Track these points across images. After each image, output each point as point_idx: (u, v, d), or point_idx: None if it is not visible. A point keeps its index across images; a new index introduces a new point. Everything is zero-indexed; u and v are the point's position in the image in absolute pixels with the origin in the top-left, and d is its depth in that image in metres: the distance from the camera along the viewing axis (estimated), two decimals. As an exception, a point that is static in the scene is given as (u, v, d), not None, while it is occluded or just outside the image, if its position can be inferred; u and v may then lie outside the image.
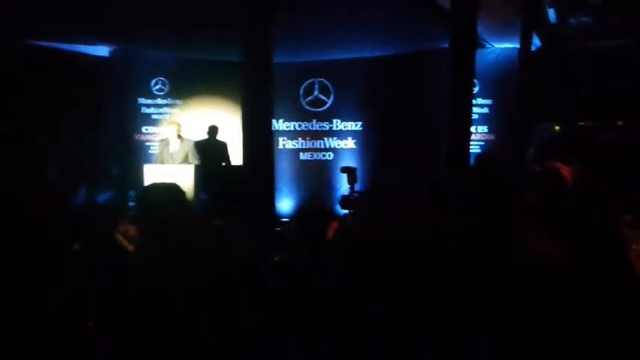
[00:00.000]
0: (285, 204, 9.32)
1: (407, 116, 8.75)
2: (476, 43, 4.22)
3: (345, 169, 7.65)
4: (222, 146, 8.48)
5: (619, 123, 9.14)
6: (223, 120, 9.10)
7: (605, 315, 2.12)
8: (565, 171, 3.85)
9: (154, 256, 2.26)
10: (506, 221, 2.42)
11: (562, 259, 2.07)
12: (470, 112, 3.90)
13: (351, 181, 7.43)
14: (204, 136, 8.52)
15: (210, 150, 8.22)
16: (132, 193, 8.04)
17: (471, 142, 8.76)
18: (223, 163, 8.35)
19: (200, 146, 8.08)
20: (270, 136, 3.97)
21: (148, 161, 8.71)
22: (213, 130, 8.53)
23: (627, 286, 2.34)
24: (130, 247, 3.59)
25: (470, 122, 4.04)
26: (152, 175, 7.35)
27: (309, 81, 9.77)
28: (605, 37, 8.47)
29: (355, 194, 7.19)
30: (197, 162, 7.84)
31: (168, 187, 2.38)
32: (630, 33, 8.20)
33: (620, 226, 5.12)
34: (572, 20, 8.50)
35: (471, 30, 3.97)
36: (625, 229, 5.64)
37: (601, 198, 3.51)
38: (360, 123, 9.71)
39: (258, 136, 3.87)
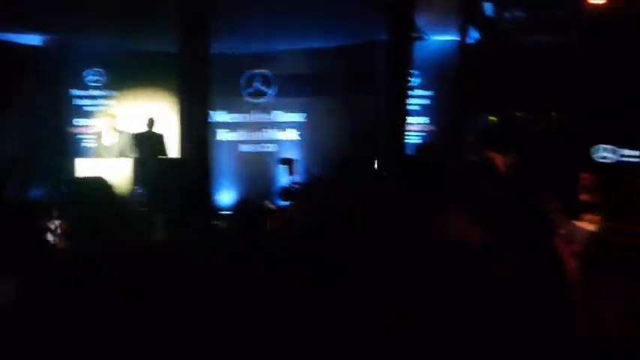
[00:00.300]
0: (226, 197, 9.20)
1: (349, 107, 8.78)
2: (412, 35, 4.24)
3: (284, 161, 7.62)
4: (160, 139, 8.26)
5: (553, 114, 9.46)
6: (161, 112, 8.87)
7: (527, 301, 2.17)
8: (499, 160, 3.94)
9: (80, 253, 2.15)
10: (440, 209, 2.43)
11: (486, 246, 2.10)
12: (406, 102, 3.92)
13: (291, 172, 7.40)
14: (141, 128, 8.28)
15: (147, 143, 8.00)
16: (63, 188, 7.73)
17: (413, 133, 8.98)
18: (161, 156, 8.14)
19: (137, 139, 7.84)
20: (207, 128, 3.88)
21: (82, 155, 8.39)
22: (150, 123, 8.31)
23: (552, 274, 2.42)
24: (59, 244, 3.44)
25: (406, 113, 4.06)
26: (85, 169, 7.07)
27: (249, 72, 9.66)
28: (539, 32, 8.74)
29: (295, 186, 7.17)
30: (134, 155, 7.61)
31: (94, 181, 2.27)
32: (561, 27, 8.49)
33: (551, 213, 5.31)
34: (507, 14, 8.72)
35: (408, 22, 3.99)
36: (555, 215, 5.86)
37: (532, 186, 3.61)
38: (302, 114, 9.68)
39: (195, 128, 3.77)
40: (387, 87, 3.91)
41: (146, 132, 8.25)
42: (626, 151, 8.76)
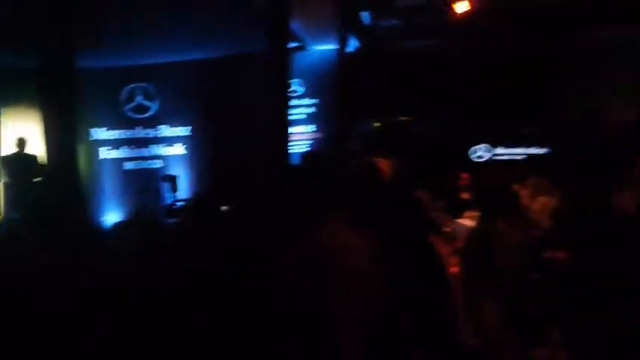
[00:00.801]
0: (111, 216, 8.73)
1: (235, 119, 8.68)
2: (289, 44, 4.26)
3: (165, 178, 7.37)
4: (31, 160, 7.67)
5: (433, 117, 9.92)
6: (32, 132, 8.24)
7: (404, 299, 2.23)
8: (384, 165, 4.01)
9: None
10: (325, 218, 2.42)
11: (368, 250, 2.13)
12: (286, 111, 3.92)
13: (173, 189, 7.18)
14: (11, 150, 7.67)
15: (18, 165, 7.42)
16: None
17: (301, 141, 9.06)
18: (35, 178, 7.58)
19: (7, 162, 7.26)
20: (74, 144, 3.64)
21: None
22: (20, 143, 7.71)
23: (432, 277, 2.50)
24: None
25: (287, 122, 4.06)
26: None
27: (130, 86, 9.26)
28: (413, 38, 9.16)
29: (178, 203, 6.97)
30: (5, 179, 7.03)
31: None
32: (435, 34, 8.95)
33: (433, 212, 5.54)
34: (384, 23, 9.06)
35: (284, 32, 3.99)
36: (437, 214, 6.12)
37: (413, 188, 3.74)
38: (188, 128, 9.43)
39: (63, 147, 3.52)
40: (267, 97, 3.88)
41: (17, 153, 7.65)
42: (499, 150, 9.40)
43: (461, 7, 7.88)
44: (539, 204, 6.53)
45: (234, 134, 8.54)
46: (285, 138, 3.90)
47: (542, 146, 9.22)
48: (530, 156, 9.23)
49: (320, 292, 2.01)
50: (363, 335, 2.12)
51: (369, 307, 2.13)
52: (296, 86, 8.98)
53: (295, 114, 9.02)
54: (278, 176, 3.29)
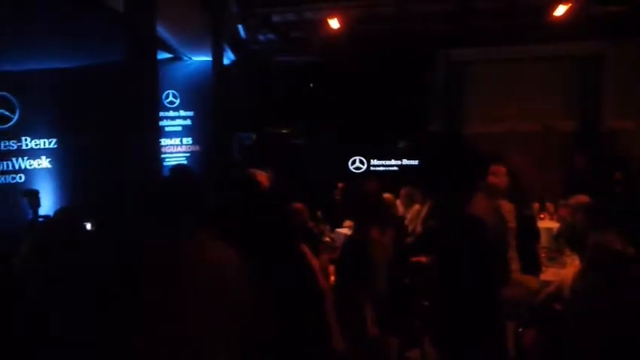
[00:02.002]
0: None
1: (104, 131, 8.22)
2: (154, 51, 4.10)
3: (25, 193, 6.83)
4: None
5: (311, 130, 10.10)
6: None
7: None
8: (262, 177, 3.99)
9: None
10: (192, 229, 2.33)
11: (237, 262, 2.09)
12: (156, 123, 3.77)
13: (34, 205, 6.66)
14: None
15: None
16: None
17: (177, 154, 8.81)
18: None
19: None
20: None
21: None
22: None
23: (301, 285, 2.51)
24: None
25: (157, 134, 3.91)
26: None
27: (-14, 95, 8.48)
28: (289, 53, 9.29)
29: (40, 219, 6.48)
30: None
31: None
32: (307, 49, 9.14)
33: (312, 223, 5.60)
34: (260, 37, 9.11)
35: (147, 37, 3.84)
36: (317, 224, 6.21)
37: (286, 199, 3.75)
38: (53, 140, 8.79)
39: None
40: (135, 108, 3.70)
41: None
42: (375, 161, 9.78)
43: (334, 24, 8.13)
44: (413, 212, 6.89)
45: (103, 147, 8.07)
46: (155, 151, 3.74)
47: (414, 158, 9.72)
48: (404, 167, 9.70)
49: (187, 307, 1.94)
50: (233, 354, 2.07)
51: (239, 321, 2.08)
52: (171, 97, 8.74)
53: (171, 126, 8.77)
54: (146, 191, 3.15)
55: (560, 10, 7.83)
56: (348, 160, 9.76)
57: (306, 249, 2.81)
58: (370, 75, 9.45)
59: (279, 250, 2.58)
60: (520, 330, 3.40)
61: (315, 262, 2.89)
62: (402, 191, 6.91)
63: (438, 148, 9.40)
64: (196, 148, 8.90)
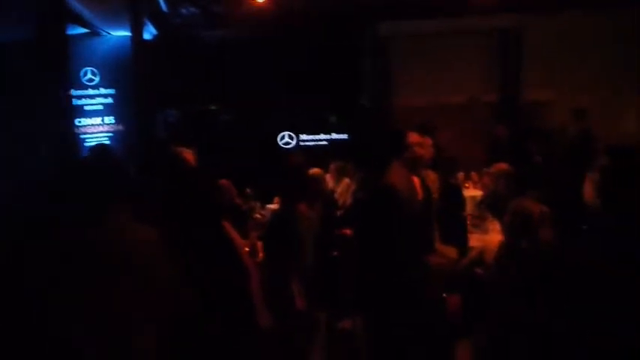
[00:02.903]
0: None
1: (18, 112, 7.75)
2: (64, 27, 3.87)
3: None
4: None
5: (238, 106, 9.89)
6: None
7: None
8: (188, 154, 3.88)
9: None
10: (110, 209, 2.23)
11: (158, 242, 2.02)
12: (68, 102, 3.57)
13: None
14: None
15: None
16: None
17: (99, 134, 8.43)
18: None
19: None
20: None
21: None
22: None
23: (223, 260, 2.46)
24: None
25: (70, 114, 3.71)
26: None
27: None
28: (213, 27, 9.03)
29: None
30: None
31: None
32: (232, 23, 8.90)
33: (240, 200, 5.53)
34: (183, 10, 8.80)
35: (58, 16, 3.61)
36: (246, 201, 6.14)
37: (210, 175, 3.67)
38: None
39: None
40: (48, 87, 3.48)
41: None
42: (304, 136, 9.74)
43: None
44: (343, 186, 6.93)
45: (17, 129, 7.62)
46: (68, 131, 3.55)
47: (344, 132, 9.75)
48: (333, 141, 9.72)
49: (108, 287, 1.87)
50: (160, 332, 2.01)
51: (162, 301, 2.02)
52: (90, 75, 8.33)
53: (90, 105, 8.37)
54: (60, 172, 2.98)
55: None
56: (277, 136, 9.67)
57: (229, 226, 2.75)
58: (298, 50, 9.35)
59: (203, 227, 2.51)
60: (444, 296, 3.49)
61: (239, 240, 2.84)
62: (332, 165, 6.91)
63: (365, 122, 9.47)
64: (119, 127, 8.55)
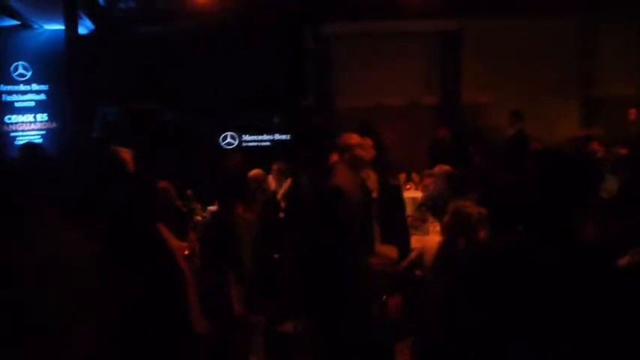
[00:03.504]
0: None
1: None
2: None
3: None
4: None
5: (179, 105, 9.65)
6: None
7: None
8: (127, 155, 3.73)
9: None
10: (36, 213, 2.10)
11: (89, 246, 1.92)
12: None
13: None
14: None
15: None
16: None
17: (30, 132, 8.05)
18: None
19: None
20: None
21: None
22: None
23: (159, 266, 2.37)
24: None
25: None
26: None
27: None
28: (152, 22, 8.77)
29: None
30: None
31: None
32: (173, 19, 8.68)
33: (181, 202, 5.39)
34: (121, 5, 8.53)
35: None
36: (187, 203, 6.00)
37: (149, 177, 3.56)
38: None
39: None
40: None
41: None
42: (247, 137, 9.61)
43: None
44: (285, 187, 6.87)
45: None
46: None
47: (287, 133, 9.68)
48: (276, 142, 9.64)
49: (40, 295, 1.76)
50: (95, 336, 1.92)
51: (96, 306, 1.92)
52: (21, 70, 7.94)
53: (21, 101, 7.99)
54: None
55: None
56: (219, 137, 9.50)
57: (164, 229, 2.66)
58: (241, 49, 9.22)
59: (136, 231, 2.41)
60: (385, 297, 3.50)
61: (175, 243, 2.75)
62: (274, 166, 6.85)
63: (307, 123, 9.45)
64: (53, 125, 8.19)
